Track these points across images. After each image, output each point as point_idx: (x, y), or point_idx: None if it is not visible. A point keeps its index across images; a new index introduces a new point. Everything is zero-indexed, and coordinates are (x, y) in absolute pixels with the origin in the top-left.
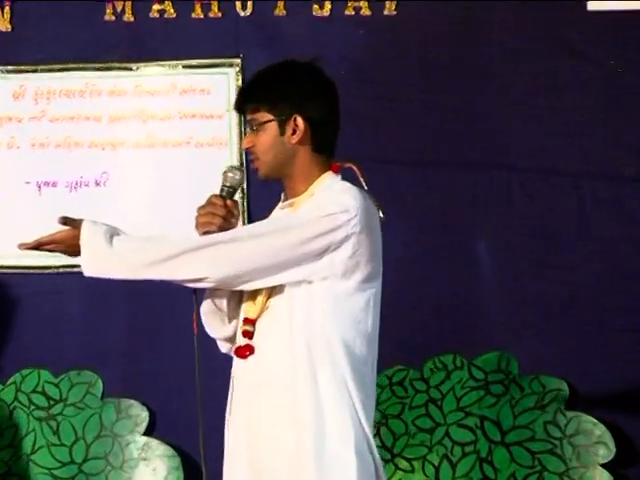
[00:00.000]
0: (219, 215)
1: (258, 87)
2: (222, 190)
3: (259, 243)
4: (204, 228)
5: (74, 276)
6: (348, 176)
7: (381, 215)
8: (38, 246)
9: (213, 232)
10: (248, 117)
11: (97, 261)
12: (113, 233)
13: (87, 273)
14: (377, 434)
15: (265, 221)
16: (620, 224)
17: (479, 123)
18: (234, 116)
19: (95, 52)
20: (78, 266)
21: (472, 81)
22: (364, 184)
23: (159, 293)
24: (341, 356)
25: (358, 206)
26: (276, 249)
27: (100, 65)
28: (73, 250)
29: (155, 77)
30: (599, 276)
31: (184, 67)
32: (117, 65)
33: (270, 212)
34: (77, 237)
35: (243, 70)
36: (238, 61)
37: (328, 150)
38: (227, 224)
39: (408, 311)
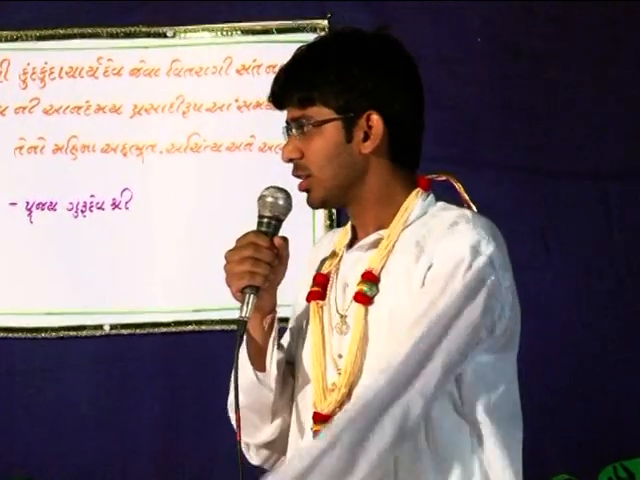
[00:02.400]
0: (264, 261)
1: (310, 68)
2: (261, 224)
3: (432, 367)
4: (243, 282)
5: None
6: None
7: None
8: None
9: (255, 287)
10: (293, 114)
11: None
12: None
13: None
14: None
15: (417, 319)
16: None
17: None
18: None
19: (111, 10)
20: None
21: None
22: (469, 202)
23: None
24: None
25: (494, 244)
26: (453, 353)
27: (119, 30)
28: None
29: (200, 48)
30: None
31: (243, 32)
32: (144, 30)
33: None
34: None
35: None
36: (324, 23)
37: (413, 160)
38: (274, 274)
39: (577, 398)
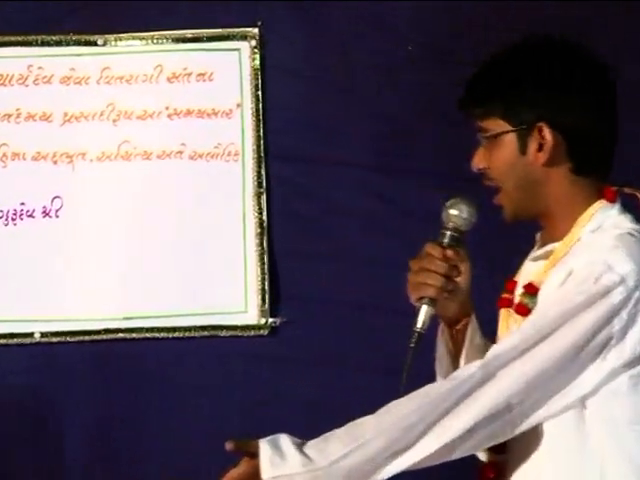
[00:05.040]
0: (438, 272)
1: (487, 81)
2: (442, 235)
3: (530, 363)
4: (417, 292)
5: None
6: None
7: None
8: None
9: (429, 298)
10: (478, 124)
11: None
12: (300, 442)
13: None
14: None
15: (534, 317)
16: None
17: None
18: (249, 113)
19: (41, 18)
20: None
21: None
22: None
23: None
24: (623, 478)
25: (637, 269)
26: (544, 368)
27: (49, 38)
28: None
29: (131, 56)
30: None
31: (174, 40)
32: (75, 38)
33: None
34: (258, 469)
35: (262, 45)
36: (255, 31)
37: (598, 169)
38: (451, 285)
39: None
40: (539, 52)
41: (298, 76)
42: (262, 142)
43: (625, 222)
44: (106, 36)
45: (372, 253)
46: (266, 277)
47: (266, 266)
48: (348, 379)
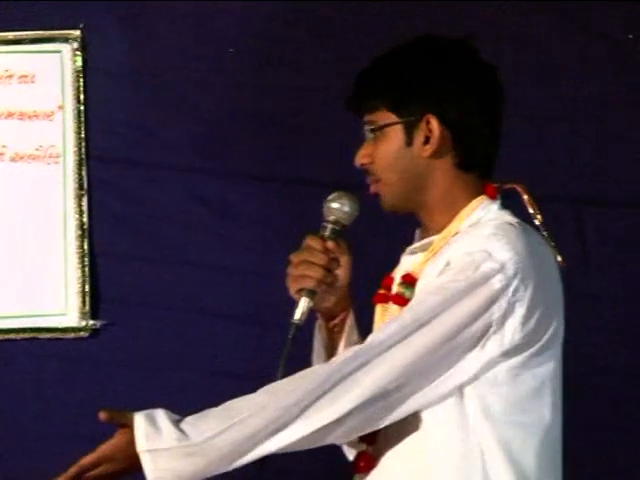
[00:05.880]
0: (318, 264)
1: (375, 75)
2: (324, 228)
3: (408, 350)
4: (297, 284)
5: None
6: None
7: (559, 259)
8: (80, 474)
9: (309, 289)
10: (365, 119)
11: (177, 464)
12: (177, 418)
13: None
14: None
15: (412, 304)
16: None
17: None
18: (71, 115)
19: None
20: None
21: None
22: (535, 214)
23: None
24: (501, 471)
25: (517, 257)
26: (422, 355)
27: None
28: (133, 463)
29: None
30: None
31: None
32: None
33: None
34: (132, 442)
35: (84, 47)
36: (77, 33)
37: (481, 166)
38: (330, 277)
39: None
40: (430, 48)
41: (119, 78)
42: (83, 144)
43: (505, 216)
44: None
45: (193, 255)
46: (87, 279)
47: (87, 268)
48: (168, 381)
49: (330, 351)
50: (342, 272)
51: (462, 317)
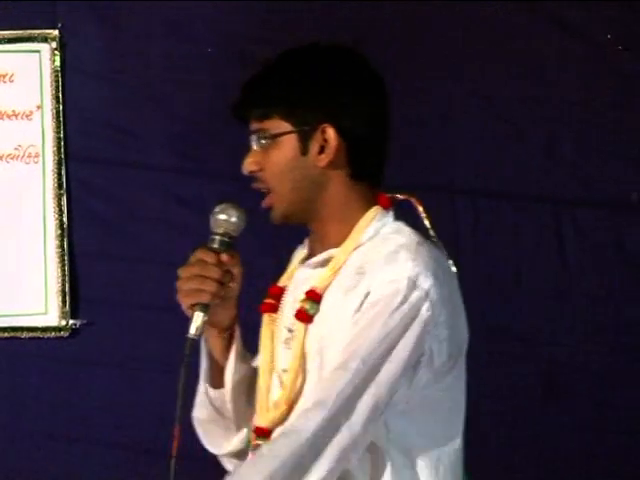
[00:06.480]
0: (212, 278)
1: (268, 82)
2: (212, 240)
3: (370, 399)
4: (191, 299)
5: None
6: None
7: (454, 269)
8: None
9: (204, 304)
10: (254, 126)
11: None
12: None
13: None
14: None
15: (354, 349)
16: None
17: None
18: (49, 115)
19: None
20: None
21: None
22: (428, 225)
23: None
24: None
25: (436, 282)
26: (384, 395)
27: None
28: None
29: None
30: None
31: None
32: None
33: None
34: None
35: (63, 46)
36: (55, 33)
37: (372, 175)
38: (224, 291)
39: None
40: (323, 56)
41: (98, 77)
42: (62, 144)
43: (404, 228)
44: None
45: (173, 255)
46: (66, 279)
47: (66, 267)
48: (149, 381)
49: (218, 365)
50: (235, 284)
51: (407, 355)
